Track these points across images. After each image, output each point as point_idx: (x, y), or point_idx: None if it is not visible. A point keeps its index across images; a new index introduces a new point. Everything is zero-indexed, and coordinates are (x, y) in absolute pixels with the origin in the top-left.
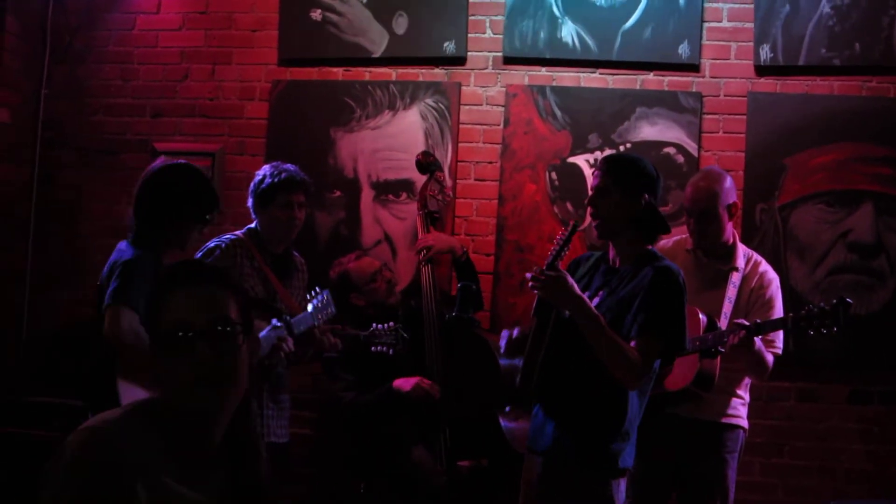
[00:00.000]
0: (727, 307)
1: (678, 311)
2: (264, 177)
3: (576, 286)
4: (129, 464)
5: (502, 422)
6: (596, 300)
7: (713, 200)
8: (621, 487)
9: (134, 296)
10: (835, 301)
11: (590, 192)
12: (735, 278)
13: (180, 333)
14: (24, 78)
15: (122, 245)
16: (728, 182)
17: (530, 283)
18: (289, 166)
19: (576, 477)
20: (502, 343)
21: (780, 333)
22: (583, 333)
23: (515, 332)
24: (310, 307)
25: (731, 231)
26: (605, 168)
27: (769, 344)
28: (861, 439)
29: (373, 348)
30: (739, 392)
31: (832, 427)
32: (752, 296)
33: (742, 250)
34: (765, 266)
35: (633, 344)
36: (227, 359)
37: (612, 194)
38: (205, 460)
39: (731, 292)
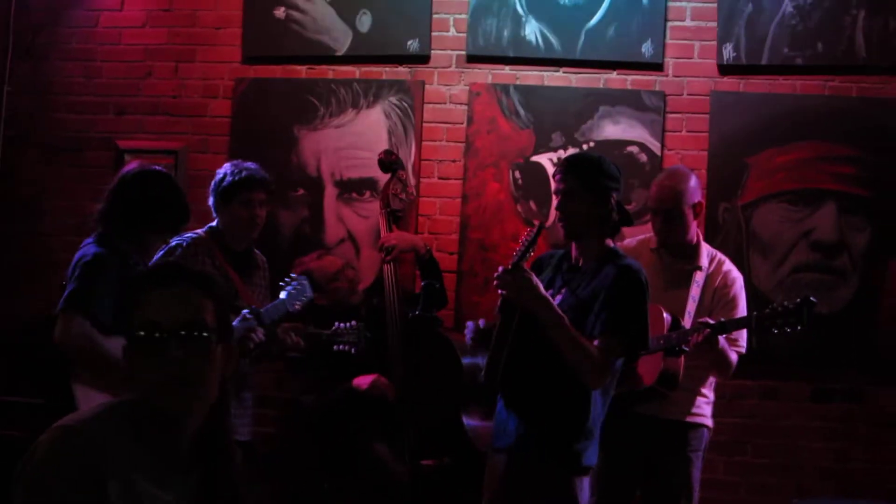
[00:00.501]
0: (691, 306)
1: (640, 310)
2: (225, 175)
3: (540, 286)
4: (99, 463)
5: (465, 420)
6: (558, 298)
7: (679, 199)
8: (585, 486)
9: (89, 300)
10: (799, 300)
11: (554, 196)
12: (699, 277)
13: (151, 333)
14: None
15: (88, 241)
16: (693, 181)
17: (495, 283)
18: (249, 164)
19: (539, 475)
20: (468, 334)
21: (744, 332)
22: (546, 333)
23: (481, 322)
24: (283, 294)
25: (695, 230)
26: (569, 170)
27: (733, 343)
28: (824, 437)
29: (335, 347)
30: (704, 391)
31: (795, 425)
32: (716, 295)
33: (706, 249)
34: (729, 265)
35: (595, 343)
36: (197, 361)
37: (580, 197)
38: (177, 461)
39: (695, 291)
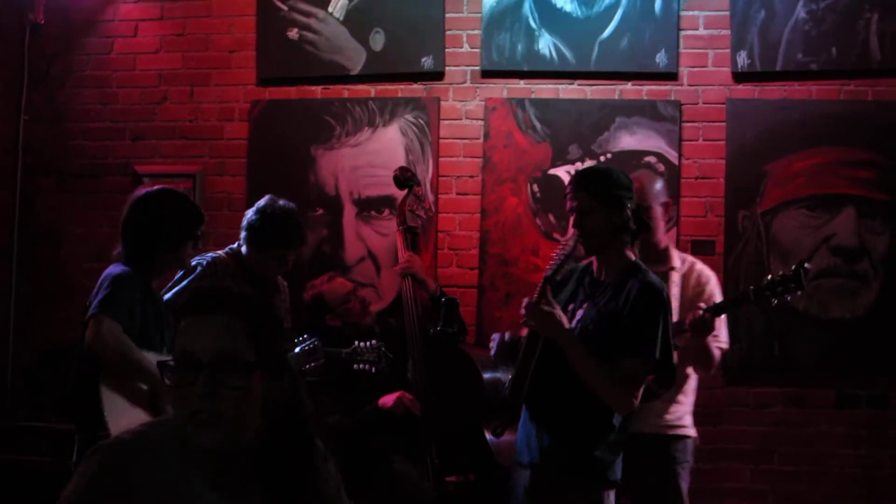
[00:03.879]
0: (674, 305)
1: (664, 329)
2: (264, 222)
3: (564, 319)
4: (145, 477)
5: (488, 436)
6: (580, 313)
7: (649, 195)
8: (611, 499)
9: (118, 307)
10: (794, 266)
11: (570, 213)
12: (675, 278)
13: (182, 364)
14: (2, 104)
15: (111, 267)
16: (661, 182)
17: (523, 312)
18: (290, 216)
19: (565, 488)
20: (493, 346)
21: (725, 328)
22: (571, 364)
23: (507, 335)
24: (297, 349)
25: (664, 233)
26: (581, 186)
27: (714, 338)
28: (850, 443)
29: (355, 366)
30: (680, 397)
31: (821, 432)
32: (694, 293)
33: (676, 253)
34: (700, 265)
35: (621, 367)
36: (225, 395)
37: (596, 211)
38: (228, 478)
39: (675, 291)
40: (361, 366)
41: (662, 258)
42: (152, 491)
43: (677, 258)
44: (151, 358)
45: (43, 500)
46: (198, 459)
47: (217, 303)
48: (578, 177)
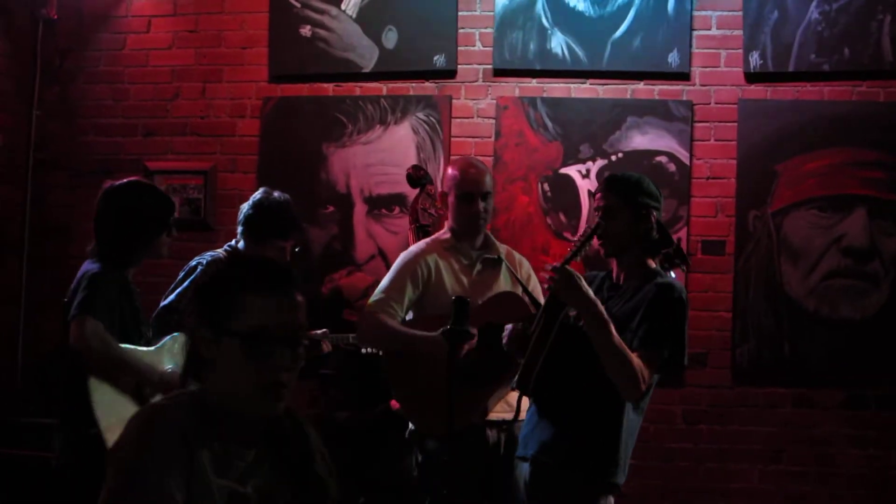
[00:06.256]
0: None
1: (679, 326)
2: (261, 213)
3: (590, 290)
4: (181, 435)
5: None
6: None
7: (492, 182)
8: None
9: (99, 307)
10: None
11: (596, 213)
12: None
13: (258, 339)
14: (15, 99)
15: (87, 264)
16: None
17: (546, 278)
18: (284, 205)
19: (562, 485)
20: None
21: None
22: (590, 338)
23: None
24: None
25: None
26: (611, 188)
27: None
28: (858, 444)
29: (363, 350)
30: None
31: (828, 432)
32: (523, 276)
33: (493, 238)
34: (510, 249)
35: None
36: (296, 370)
37: (621, 214)
38: (242, 449)
39: (511, 275)
40: (371, 349)
41: (488, 245)
42: (199, 450)
43: (497, 245)
44: (132, 352)
45: (52, 496)
46: (241, 427)
47: (286, 279)
48: (608, 179)
